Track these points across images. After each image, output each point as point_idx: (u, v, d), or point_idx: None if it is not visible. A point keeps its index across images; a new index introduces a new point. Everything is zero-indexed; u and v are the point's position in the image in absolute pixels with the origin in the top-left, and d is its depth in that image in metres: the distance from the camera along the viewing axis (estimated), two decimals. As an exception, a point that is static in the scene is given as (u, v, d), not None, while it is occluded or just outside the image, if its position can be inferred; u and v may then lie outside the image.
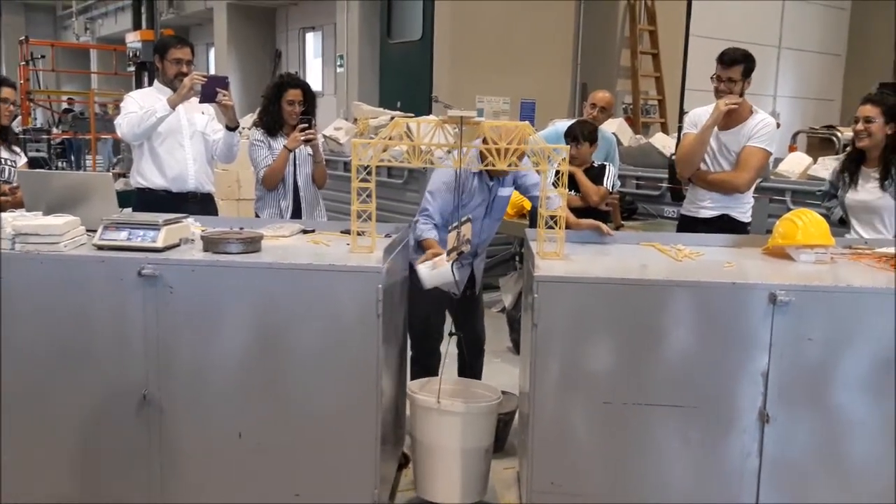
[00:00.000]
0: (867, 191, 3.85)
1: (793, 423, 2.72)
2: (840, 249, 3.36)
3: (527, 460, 2.90)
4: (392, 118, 6.85)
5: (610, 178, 4.73)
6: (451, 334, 3.60)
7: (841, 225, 3.95)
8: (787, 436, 2.73)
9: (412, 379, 3.69)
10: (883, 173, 3.79)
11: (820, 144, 7.68)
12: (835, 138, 7.85)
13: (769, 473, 2.75)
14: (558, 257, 3.03)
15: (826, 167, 5.68)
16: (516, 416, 3.83)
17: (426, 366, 3.77)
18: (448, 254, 3.13)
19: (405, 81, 11.70)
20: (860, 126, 3.82)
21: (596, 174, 4.71)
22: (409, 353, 3.88)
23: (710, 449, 2.77)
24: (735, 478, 2.77)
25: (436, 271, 3.19)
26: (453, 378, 3.69)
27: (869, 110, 3.80)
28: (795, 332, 2.67)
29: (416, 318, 3.79)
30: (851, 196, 3.90)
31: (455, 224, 3.10)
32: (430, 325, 3.81)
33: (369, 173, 2.96)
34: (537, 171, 3.09)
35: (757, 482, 2.76)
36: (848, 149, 4.13)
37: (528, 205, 5.37)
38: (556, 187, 3.02)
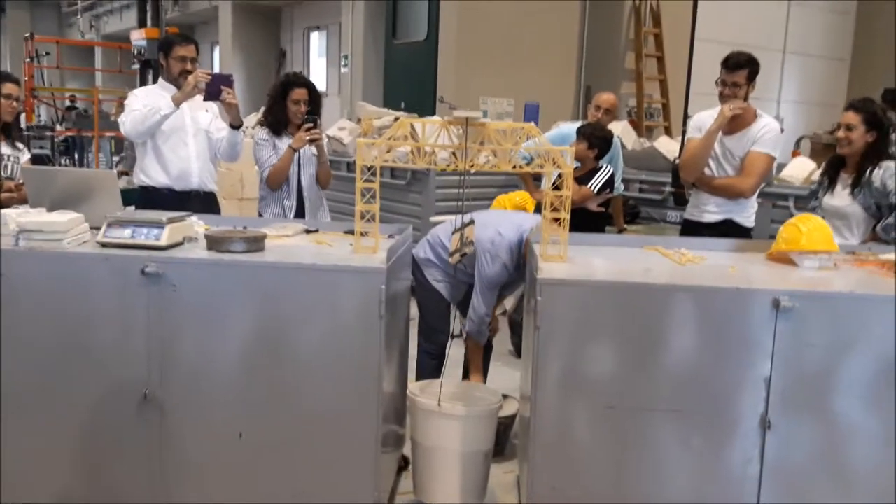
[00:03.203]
0: (841, 196, 3.88)
1: (794, 429, 2.71)
2: (843, 255, 3.35)
3: (527, 464, 2.89)
4: (396, 119, 6.84)
5: (600, 179, 4.69)
6: (454, 336, 3.60)
7: None
8: (789, 442, 2.72)
9: (421, 372, 3.70)
10: (855, 180, 3.82)
11: (823, 150, 7.67)
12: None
13: (770, 480, 2.74)
14: (561, 260, 3.02)
15: (830, 173, 5.66)
16: (516, 420, 3.83)
17: (437, 358, 3.79)
18: (451, 255, 3.13)
19: (410, 82, 11.70)
20: (841, 133, 3.83)
21: (589, 175, 4.67)
22: (418, 347, 3.89)
23: (712, 454, 2.76)
24: (736, 484, 2.76)
25: None
26: (455, 381, 3.69)
27: (851, 118, 3.81)
28: (798, 338, 2.66)
29: (424, 310, 3.82)
30: (827, 200, 3.93)
31: (458, 227, 3.10)
32: (439, 316, 3.81)
33: (373, 174, 2.96)
34: (541, 173, 3.07)
35: (758, 488, 2.75)
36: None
37: (530, 207, 5.35)
38: (559, 189, 3.00)
